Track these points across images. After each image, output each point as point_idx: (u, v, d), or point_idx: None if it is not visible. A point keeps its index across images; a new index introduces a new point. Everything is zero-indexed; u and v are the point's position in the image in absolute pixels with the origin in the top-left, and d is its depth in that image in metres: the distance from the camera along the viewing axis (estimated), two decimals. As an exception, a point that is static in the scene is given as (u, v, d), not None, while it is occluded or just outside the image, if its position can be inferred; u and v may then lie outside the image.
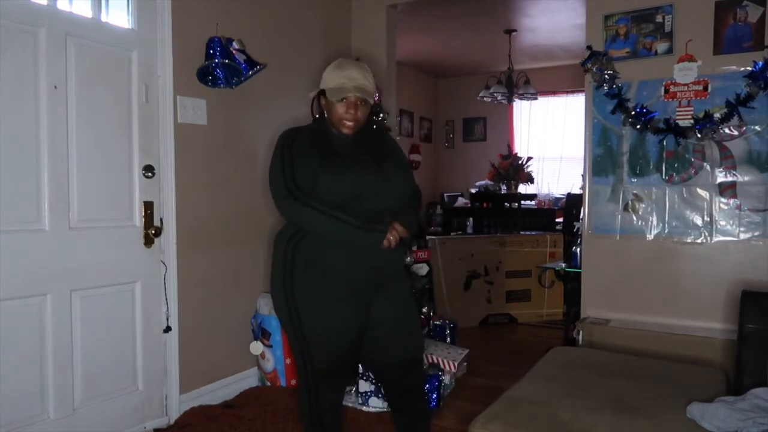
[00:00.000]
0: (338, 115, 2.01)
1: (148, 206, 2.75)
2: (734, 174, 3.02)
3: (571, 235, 4.04)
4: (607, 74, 3.22)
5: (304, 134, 2.04)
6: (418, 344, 2.23)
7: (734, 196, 3.02)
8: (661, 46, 3.15)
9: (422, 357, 2.37)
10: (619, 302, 3.31)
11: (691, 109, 3.09)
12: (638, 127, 3.17)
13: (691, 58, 3.07)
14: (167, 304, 2.85)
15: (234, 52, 2.97)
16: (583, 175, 3.58)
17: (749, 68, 2.90)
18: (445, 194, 7.63)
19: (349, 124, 2.00)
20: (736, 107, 2.95)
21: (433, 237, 4.96)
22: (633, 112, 3.16)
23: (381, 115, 3.65)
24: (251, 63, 3.02)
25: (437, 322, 3.86)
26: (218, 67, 2.93)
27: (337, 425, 2.17)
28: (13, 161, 2.26)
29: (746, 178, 3.00)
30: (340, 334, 2.02)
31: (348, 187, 1.95)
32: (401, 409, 2.22)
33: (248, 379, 3.31)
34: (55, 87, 2.39)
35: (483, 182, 6.64)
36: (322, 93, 2.06)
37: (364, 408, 2.98)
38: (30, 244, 2.33)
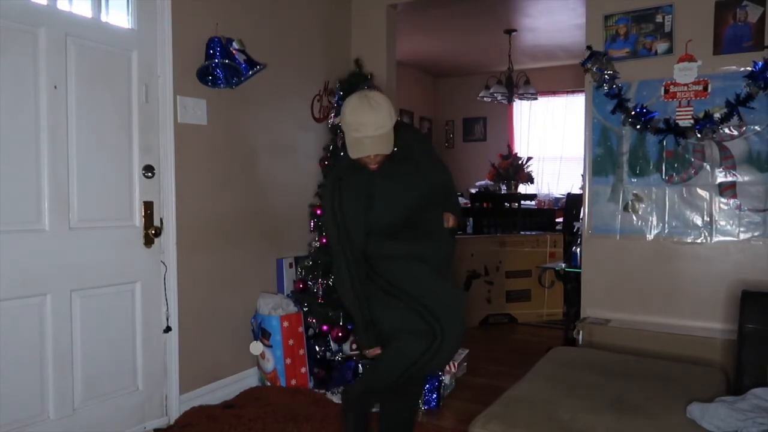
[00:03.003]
0: (361, 160, 2.01)
1: (148, 206, 2.75)
2: (734, 174, 3.02)
3: (571, 235, 4.04)
4: (607, 74, 3.22)
5: (350, 180, 2.05)
6: None
7: (734, 196, 3.02)
8: (661, 46, 3.15)
9: None
10: (619, 302, 3.31)
11: (691, 109, 3.09)
12: (638, 127, 3.17)
13: (691, 58, 3.07)
14: (167, 304, 2.85)
15: (234, 52, 2.97)
16: (583, 175, 3.58)
17: (749, 68, 2.90)
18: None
19: (372, 166, 2.02)
20: (735, 107, 2.95)
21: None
22: (633, 112, 3.16)
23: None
24: (251, 63, 3.02)
25: (437, 322, 3.85)
26: (218, 67, 2.93)
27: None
28: (13, 161, 2.26)
29: (746, 178, 3.00)
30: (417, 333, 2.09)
31: (401, 212, 2.03)
32: (404, 394, 2.30)
33: (248, 379, 3.31)
34: (55, 87, 2.39)
35: (483, 182, 6.64)
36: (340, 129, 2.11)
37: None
38: (30, 244, 2.33)
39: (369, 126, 1.93)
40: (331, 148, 3.65)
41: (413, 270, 2.08)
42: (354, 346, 3.33)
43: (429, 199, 2.10)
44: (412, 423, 2.39)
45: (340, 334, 3.27)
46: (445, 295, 2.11)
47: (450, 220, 2.16)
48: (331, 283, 3.28)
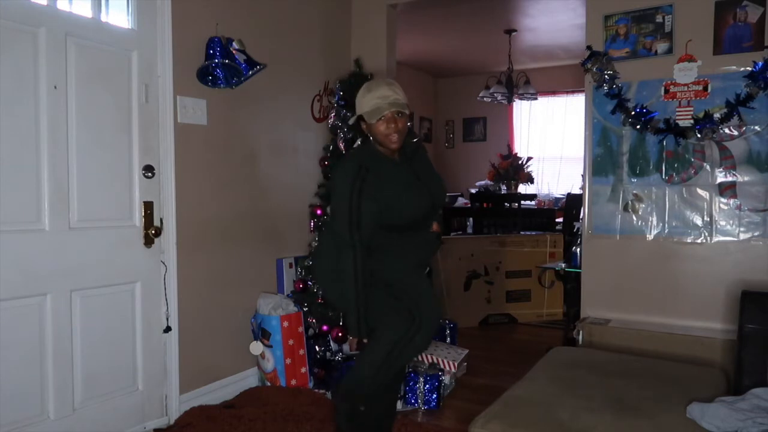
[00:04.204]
0: (381, 133, 2.10)
1: (148, 206, 2.75)
2: (734, 174, 3.02)
3: (571, 235, 4.05)
4: (607, 74, 3.22)
5: (368, 169, 2.09)
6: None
7: (734, 196, 3.02)
8: (661, 46, 3.15)
9: None
10: (619, 302, 3.31)
11: (691, 109, 3.09)
12: (638, 127, 3.17)
13: (691, 58, 3.07)
14: (167, 304, 2.85)
15: (234, 52, 2.97)
16: (583, 175, 3.58)
17: (749, 68, 2.90)
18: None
19: (394, 137, 2.10)
20: (735, 107, 2.95)
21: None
22: (633, 112, 3.16)
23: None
24: (251, 63, 3.02)
25: (437, 322, 3.86)
26: (218, 67, 2.93)
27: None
28: (13, 161, 2.26)
29: (746, 178, 3.00)
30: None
31: (408, 215, 2.14)
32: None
33: (248, 379, 3.31)
34: (55, 87, 2.39)
35: (483, 182, 6.65)
36: (361, 118, 2.15)
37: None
38: (30, 244, 2.33)
39: (387, 97, 2.08)
40: (331, 148, 3.65)
41: (402, 266, 2.21)
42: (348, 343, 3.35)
43: (432, 205, 2.23)
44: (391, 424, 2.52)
45: (340, 334, 3.27)
46: (425, 289, 2.29)
47: (434, 226, 2.31)
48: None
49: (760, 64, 2.86)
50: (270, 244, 3.44)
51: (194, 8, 2.92)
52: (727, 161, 3.03)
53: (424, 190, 2.20)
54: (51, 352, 2.41)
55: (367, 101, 2.10)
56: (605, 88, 3.23)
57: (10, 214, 2.26)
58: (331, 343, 3.36)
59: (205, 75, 2.93)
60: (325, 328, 3.32)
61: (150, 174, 2.76)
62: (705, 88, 3.06)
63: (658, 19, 3.15)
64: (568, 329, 3.77)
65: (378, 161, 2.13)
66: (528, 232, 5.38)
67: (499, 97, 6.54)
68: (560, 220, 5.55)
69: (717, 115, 3.00)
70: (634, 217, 3.26)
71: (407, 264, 2.24)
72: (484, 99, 6.65)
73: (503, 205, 5.94)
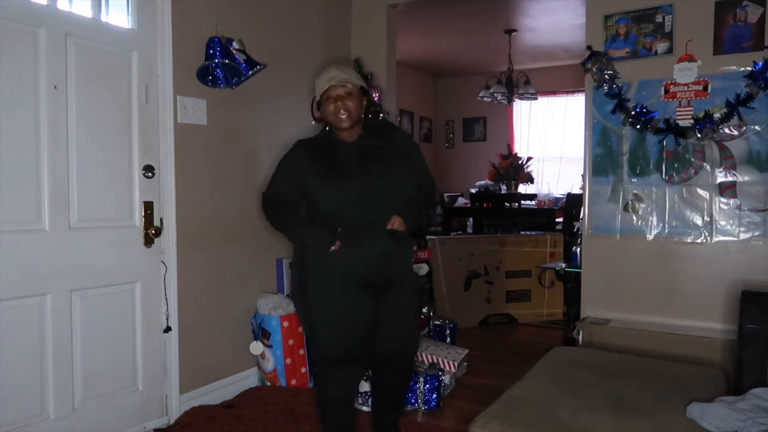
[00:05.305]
0: (331, 113, 2.12)
1: (148, 206, 2.75)
2: (734, 174, 3.02)
3: (571, 235, 4.05)
4: (607, 74, 3.22)
5: (308, 146, 2.21)
6: (407, 342, 2.37)
7: (734, 196, 3.02)
8: (661, 46, 3.15)
9: (409, 355, 2.46)
10: (619, 302, 3.31)
11: (691, 109, 3.09)
12: (638, 127, 3.17)
13: (691, 58, 3.08)
14: (167, 304, 2.85)
15: (234, 52, 2.97)
16: (583, 175, 3.58)
17: (749, 68, 2.90)
18: (445, 194, 7.63)
19: (342, 116, 2.09)
20: (736, 107, 2.95)
21: (433, 237, 4.96)
22: (633, 112, 3.16)
23: (381, 115, 3.66)
24: (251, 63, 3.02)
25: (437, 322, 3.86)
26: (218, 67, 2.93)
27: (344, 425, 2.29)
28: (13, 161, 2.26)
29: (746, 178, 3.00)
30: (344, 320, 2.13)
31: (337, 199, 2.09)
32: (378, 402, 2.47)
33: (248, 379, 3.31)
34: (55, 87, 2.39)
35: (483, 182, 6.65)
36: (319, 104, 2.21)
37: (364, 408, 2.98)
38: (30, 244, 2.33)
39: (335, 77, 2.09)
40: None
41: (330, 280, 2.12)
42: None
43: (380, 196, 2.09)
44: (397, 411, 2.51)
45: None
46: (360, 324, 2.14)
47: (395, 223, 2.10)
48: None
49: (760, 64, 2.86)
50: (270, 244, 3.44)
51: (194, 8, 2.92)
52: (727, 161, 3.03)
53: (369, 182, 2.06)
54: (51, 352, 2.41)
55: (318, 84, 2.13)
56: (605, 88, 3.24)
57: (10, 214, 2.26)
58: (331, 343, 3.35)
59: (205, 75, 2.93)
60: (325, 328, 3.31)
61: (150, 174, 2.76)
62: (705, 88, 3.06)
63: (658, 19, 3.15)
64: (568, 329, 3.77)
65: (325, 146, 2.18)
66: (528, 232, 5.38)
67: (499, 97, 6.55)
68: (560, 220, 5.55)
69: (717, 115, 3.00)
70: (634, 217, 3.26)
71: (337, 278, 2.09)
72: (484, 99, 6.66)
73: (503, 205, 5.94)
